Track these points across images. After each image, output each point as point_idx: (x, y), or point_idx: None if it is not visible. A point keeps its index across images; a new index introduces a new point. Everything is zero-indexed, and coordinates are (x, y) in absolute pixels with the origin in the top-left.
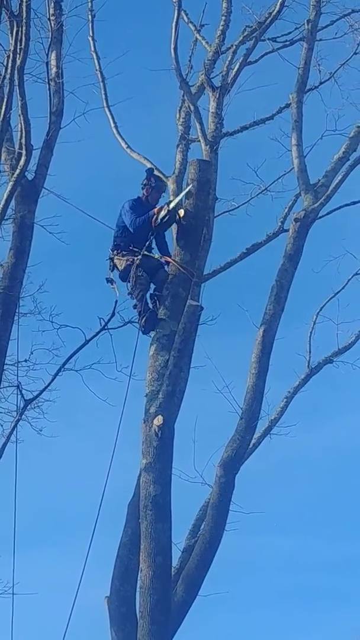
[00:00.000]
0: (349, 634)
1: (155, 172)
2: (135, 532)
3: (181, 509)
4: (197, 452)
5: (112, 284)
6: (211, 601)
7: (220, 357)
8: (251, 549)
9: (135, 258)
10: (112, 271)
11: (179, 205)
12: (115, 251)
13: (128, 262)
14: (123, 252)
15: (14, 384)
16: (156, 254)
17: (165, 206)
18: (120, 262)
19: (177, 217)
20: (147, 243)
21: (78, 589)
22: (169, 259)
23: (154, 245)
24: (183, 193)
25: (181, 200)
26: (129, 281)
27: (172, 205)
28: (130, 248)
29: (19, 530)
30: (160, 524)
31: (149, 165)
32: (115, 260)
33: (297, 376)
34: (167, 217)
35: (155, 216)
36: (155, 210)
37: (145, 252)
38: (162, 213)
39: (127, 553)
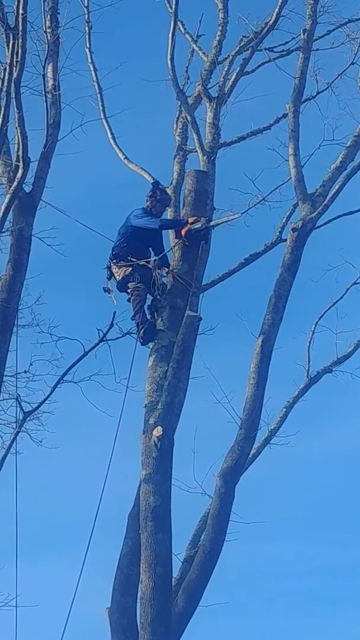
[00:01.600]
0: (352, 638)
1: (151, 182)
2: (135, 543)
3: (181, 520)
4: (196, 463)
5: (109, 293)
6: (212, 611)
7: (219, 367)
8: (252, 556)
9: (153, 262)
10: (109, 280)
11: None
12: (113, 260)
13: (126, 273)
14: (121, 262)
15: (13, 395)
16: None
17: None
18: (118, 272)
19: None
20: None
21: (73, 601)
22: (168, 270)
23: (152, 256)
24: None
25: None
26: (126, 292)
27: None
28: (129, 258)
29: (21, 542)
30: (161, 535)
31: (146, 177)
32: (112, 269)
33: (297, 386)
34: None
35: (188, 225)
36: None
37: (144, 263)
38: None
39: (127, 564)
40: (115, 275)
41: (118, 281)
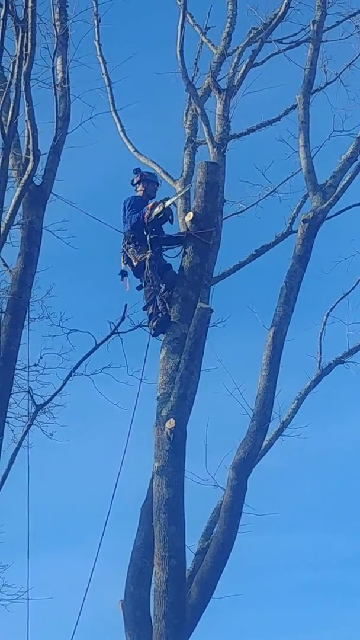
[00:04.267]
0: None
1: (161, 174)
2: (148, 536)
3: (194, 512)
4: (208, 455)
5: (124, 277)
6: (226, 602)
7: (230, 359)
8: (265, 548)
9: (147, 258)
10: (125, 264)
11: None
12: (132, 244)
13: (142, 259)
14: (140, 245)
15: (24, 389)
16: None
17: (161, 203)
18: (136, 258)
19: (171, 217)
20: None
21: (85, 595)
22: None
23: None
24: (179, 193)
25: (174, 197)
26: (140, 279)
27: (167, 203)
28: (147, 239)
29: (33, 535)
30: (174, 527)
31: (156, 169)
32: (129, 254)
33: (308, 377)
34: (161, 215)
35: (149, 212)
36: (149, 205)
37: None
38: (157, 210)
39: (140, 556)
40: (133, 260)
41: (134, 267)
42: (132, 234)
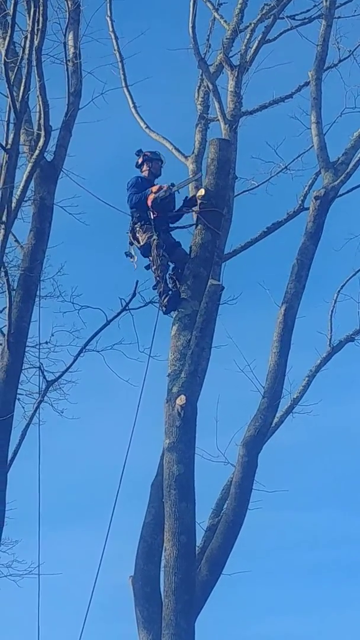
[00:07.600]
0: None
1: (173, 151)
2: (158, 512)
3: (204, 488)
4: (219, 431)
5: (131, 258)
6: (235, 579)
7: (241, 336)
8: (276, 525)
9: (153, 239)
10: (131, 245)
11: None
12: (138, 223)
13: (149, 239)
14: (146, 224)
15: (35, 365)
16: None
17: (166, 186)
18: (142, 237)
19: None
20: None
21: (98, 572)
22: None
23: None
24: (189, 181)
25: (184, 184)
26: (149, 257)
27: (174, 189)
28: (151, 219)
29: (43, 511)
30: (184, 504)
31: (167, 145)
32: (137, 233)
33: (319, 354)
34: (167, 199)
35: (153, 195)
36: (153, 188)
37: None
38: (162, 193)
39: (150, 533)
40: (140, 239)
41: (142, 246)
42: (137, 214)
